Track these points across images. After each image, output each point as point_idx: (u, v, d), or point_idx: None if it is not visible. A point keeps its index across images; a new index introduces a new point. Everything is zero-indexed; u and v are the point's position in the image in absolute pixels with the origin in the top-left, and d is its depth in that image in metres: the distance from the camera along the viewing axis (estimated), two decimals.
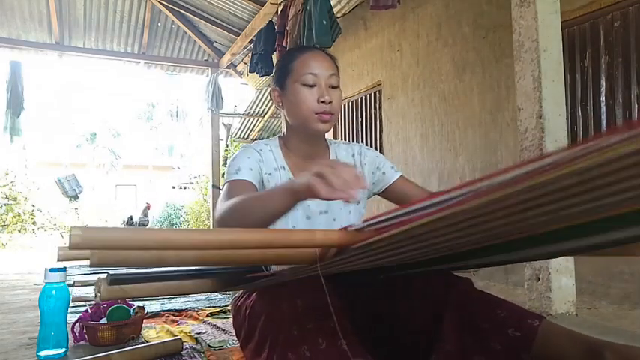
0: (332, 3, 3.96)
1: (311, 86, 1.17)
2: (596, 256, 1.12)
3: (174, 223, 13.65)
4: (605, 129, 2.87)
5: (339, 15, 4.90)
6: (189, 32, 6.61)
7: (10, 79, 6.05)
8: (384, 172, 1.30)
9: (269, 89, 1.31)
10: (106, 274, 0.91)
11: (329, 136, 1.32)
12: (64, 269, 1.56)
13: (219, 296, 2.49)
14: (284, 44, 4.11)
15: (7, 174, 9.06)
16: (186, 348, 1.54)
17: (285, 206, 0.85)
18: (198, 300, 2.39)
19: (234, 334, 1.67)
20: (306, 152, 1.25)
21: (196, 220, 10.75)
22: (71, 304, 1.68)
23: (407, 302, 1.06)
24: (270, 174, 1.20)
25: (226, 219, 0.95)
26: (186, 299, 2.42)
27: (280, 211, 0.86)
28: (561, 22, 2.12)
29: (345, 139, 5.58)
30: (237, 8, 5.65)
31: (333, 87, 1.20)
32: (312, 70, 1.17)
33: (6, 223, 8.69)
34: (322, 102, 1.16)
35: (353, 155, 1.31)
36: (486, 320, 0.98)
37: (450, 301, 1.01)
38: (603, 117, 2.88)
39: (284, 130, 1.30)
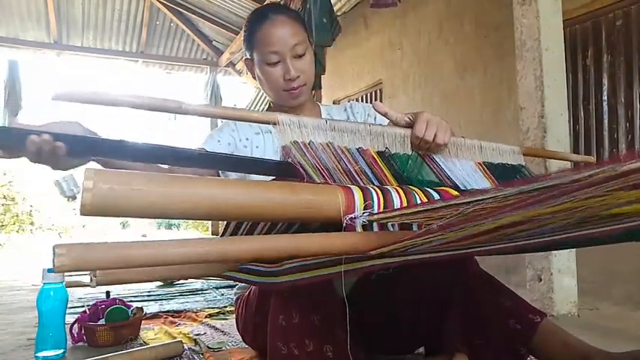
0: (332, 1, 3.94)
1: (275, 63, 1.13)
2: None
3: (173, 223, 13.65)
4: (606, 128, 2.86)
5: (339, 13, 4.88)
6: (187, 31, 6.58)
7: (8, 79, 6.02)
8: (375, 118, 1.28)
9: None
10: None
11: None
12: None
13: (218, 297, 2.48)
14: None
15: (4, 174, 9.02)
16: (185, 350, 1.53)
17: None
18: (197, 301, 2.37)
19: (233, 335, 1.66)
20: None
21: (195, 220, 10.73)
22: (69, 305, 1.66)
23: (413, 285, 1.04)
24: (247, 139, 1.19)
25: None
26: (185, 300, 2.40)
27: None
28: (563, 21, 2.10)
29: None
30: (236, 6, 5.63)
31: (299, 56, 1.14)
32: (274, 47, 1.12)
33: (4, 224, 8.66)
34: (289, 79, 1.13)
35: (345, 110, 1.31)
36: (489, 306, 1.00)
37: (456, 282, 1.01)
38: (605, 116, 2.87)
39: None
